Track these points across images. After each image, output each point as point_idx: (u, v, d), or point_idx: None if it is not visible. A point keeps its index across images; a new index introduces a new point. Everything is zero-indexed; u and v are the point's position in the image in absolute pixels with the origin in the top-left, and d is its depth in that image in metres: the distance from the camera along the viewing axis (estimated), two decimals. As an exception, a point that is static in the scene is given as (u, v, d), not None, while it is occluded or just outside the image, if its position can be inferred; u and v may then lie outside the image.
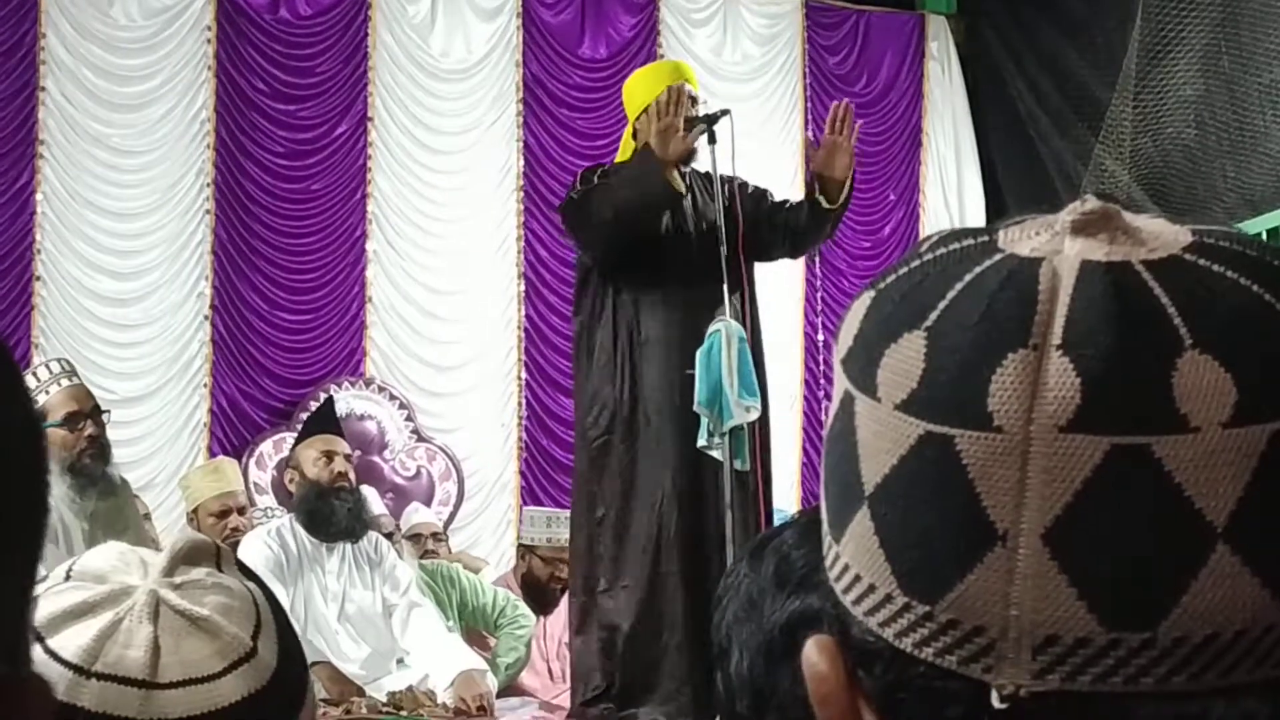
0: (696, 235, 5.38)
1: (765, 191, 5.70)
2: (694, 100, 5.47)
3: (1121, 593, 0.60)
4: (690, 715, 5.12)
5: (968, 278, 0.64)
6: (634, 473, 5.33)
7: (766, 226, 5.52)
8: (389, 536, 6.30)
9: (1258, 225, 7.38)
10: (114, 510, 5.31)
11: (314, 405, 8.54)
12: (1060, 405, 0.60)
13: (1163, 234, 0.64)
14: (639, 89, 5.60)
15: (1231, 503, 0.59)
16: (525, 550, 6.94)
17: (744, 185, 5.58)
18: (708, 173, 5.34)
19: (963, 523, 0.61)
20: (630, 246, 5.29)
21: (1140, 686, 0.60)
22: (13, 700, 0.59)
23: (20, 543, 0.59)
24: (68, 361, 5.47)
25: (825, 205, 5.39)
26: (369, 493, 6.66)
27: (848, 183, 5.37)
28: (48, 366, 5.31)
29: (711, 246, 5.25)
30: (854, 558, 0.66)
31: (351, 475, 5.76)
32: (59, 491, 4.94)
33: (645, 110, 5.47)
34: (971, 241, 0.67)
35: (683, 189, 5.30)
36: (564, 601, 6.77)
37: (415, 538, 7.46)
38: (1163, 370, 0.60)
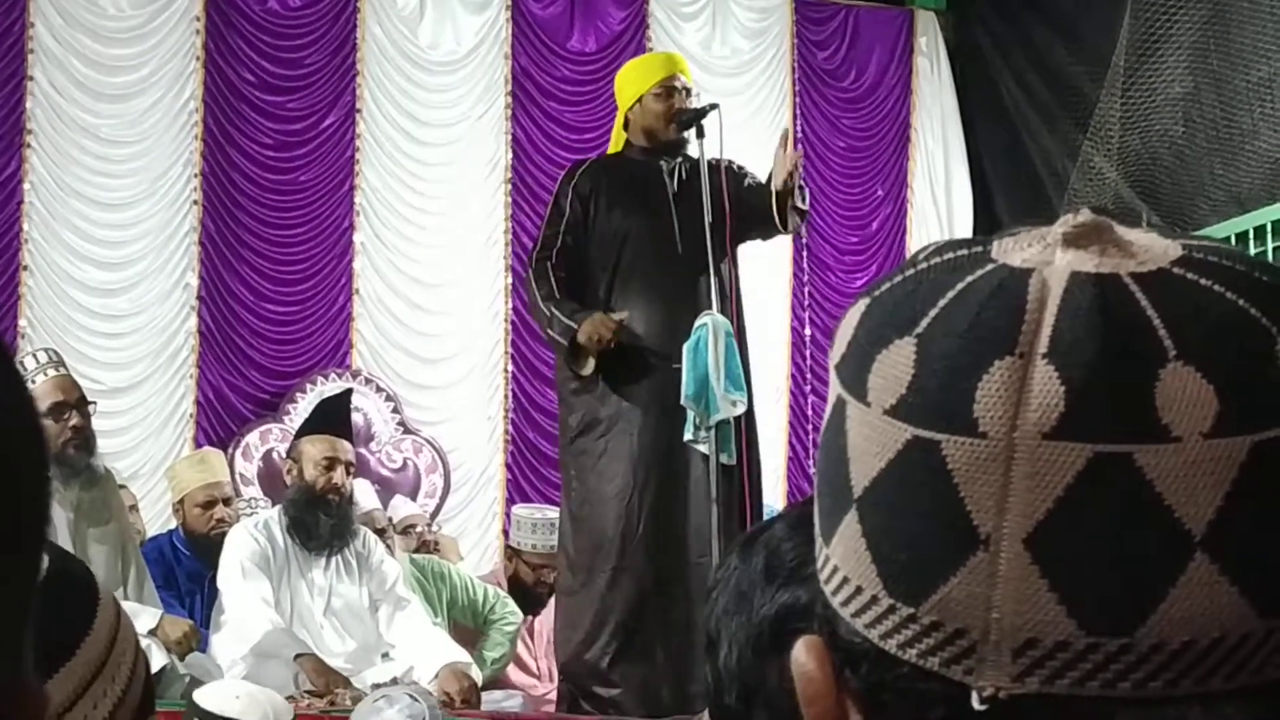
0: (682, 229, 5.35)
1: (748, 172, 5.67)
2: (687, 92, 5.47)
3: (1100, 598, 0.60)
4: (646, 709, 5.13)
5: (959, 286, 0.65)
6: (609, 468, 5.32)
7: (746, 206, 5.48)
8: (381, 532, 6.26)
9: (1245, 223, 7.39)
10: (98, 501, 5.30)
11: (300, 398, 8.53)
12: (1044, 413, 0.61)
13: (1153, 247, 0.65)
14: (631, 80, 5.60)
15: (1211, 512, 0.60)
16: (513, 553, 6.92)
17: (734, 168, 5.56)
18: (697, 161, 5.33)
19: (947, 527, 0.62)
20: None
21: (1118, 691, 0.61)
22: (16, 707, 0.59)
23: (22, 549, 0.59)
24: (55, 351, 5.46)
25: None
26: (362, 486, 6.61)
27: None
28: (35, 356, 5.30)
29: (697, 240, 5.25)
30: (842, 560, 0.66)
31: (348, 485, 5.69)
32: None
33: (638, 100, 5.47)
34: (965, 252, 0.67)
35: (589, 370, 5.28)
36: (554, 600, 6.77)
37: (408, 531, 7.43)
38: (1146, 380, 0.60)
